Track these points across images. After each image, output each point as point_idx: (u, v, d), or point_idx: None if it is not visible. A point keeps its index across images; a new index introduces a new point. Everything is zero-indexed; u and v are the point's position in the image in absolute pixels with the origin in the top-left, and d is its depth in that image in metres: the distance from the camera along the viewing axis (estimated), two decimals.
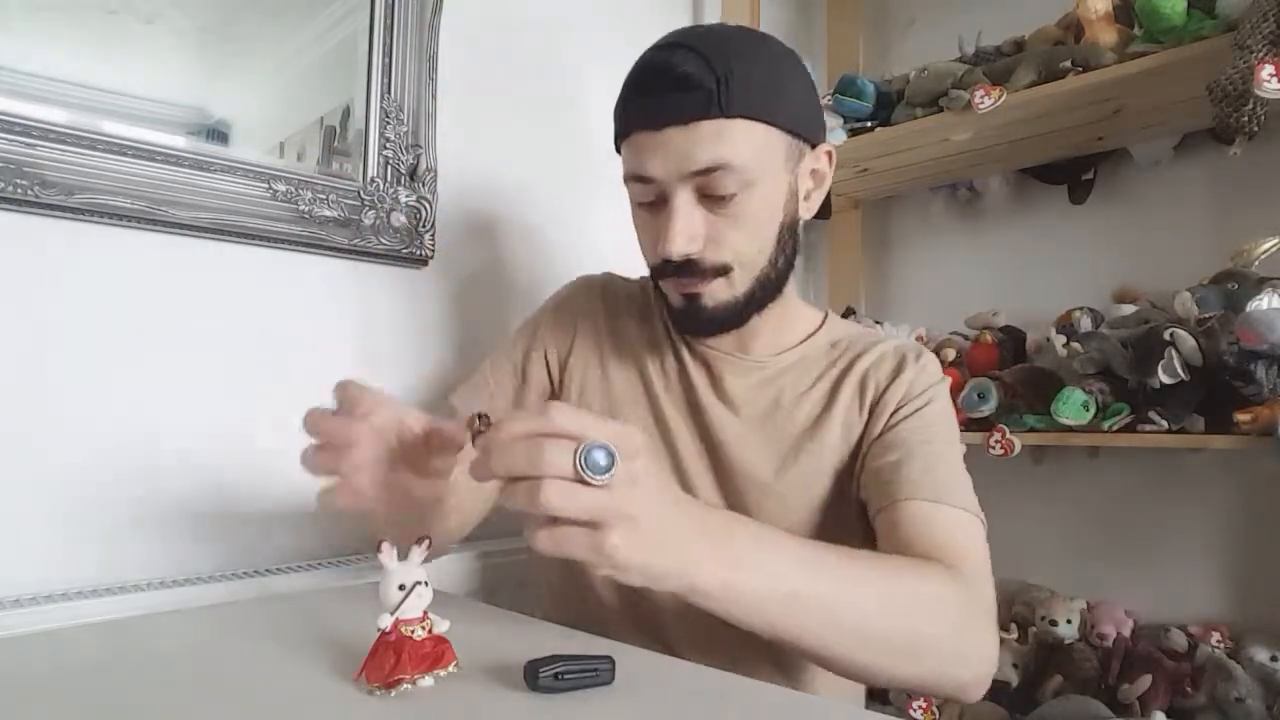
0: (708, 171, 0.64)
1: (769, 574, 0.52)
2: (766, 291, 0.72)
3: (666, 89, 0.64)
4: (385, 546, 0.46)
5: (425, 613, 0.46)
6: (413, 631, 0.46)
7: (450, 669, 0.47)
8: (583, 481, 0.43)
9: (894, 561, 0.60)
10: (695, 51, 0.64)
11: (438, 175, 1.02)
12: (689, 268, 0.68)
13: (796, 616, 0.52)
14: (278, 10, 0.92)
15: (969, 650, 0.59)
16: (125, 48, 0.82)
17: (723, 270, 0.69)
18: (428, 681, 0.46)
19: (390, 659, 0.45)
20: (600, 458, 0.43)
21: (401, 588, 0.45)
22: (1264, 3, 0.91)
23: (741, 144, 0.65)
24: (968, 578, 0.60)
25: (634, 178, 0.69)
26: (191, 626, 0.60)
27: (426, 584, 0.46)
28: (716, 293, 0.70)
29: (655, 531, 0.46)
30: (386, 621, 0.45)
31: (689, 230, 0.66)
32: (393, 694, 0.45)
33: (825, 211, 0.83)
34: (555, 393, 0.83)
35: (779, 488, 0.72)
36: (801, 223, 0.75)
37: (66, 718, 0.42)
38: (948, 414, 0.74)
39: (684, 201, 0.66)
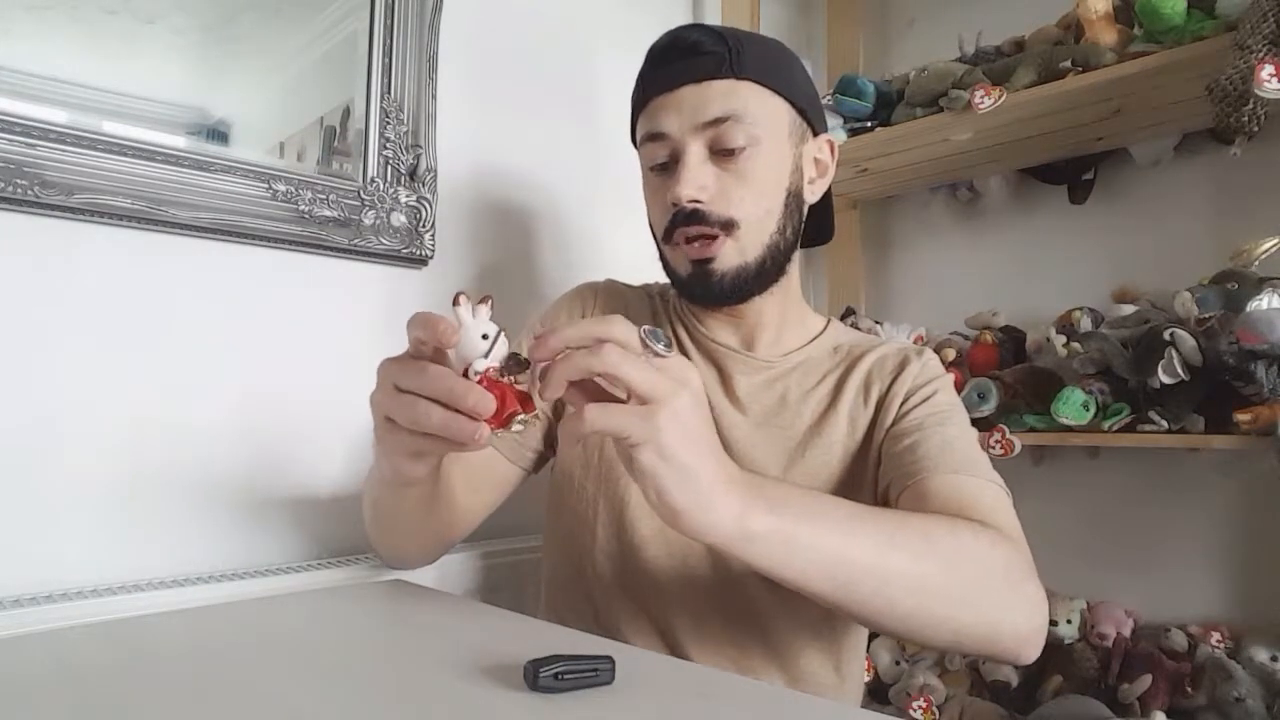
0: (718, 122, 0.69)
1: (815, 521, 0.51)
2: (776, 263, 0.74)
3: (681, 56, 0.71)
4: (463, 300, 0.46)
5: (506, 362, 0.47)
6: (505, 378, 0.47)
7: (535, 414, 0.48)
8: (645, 346, 0.45)
9: (933, 517, 0.59)
10: (707, 28, 0.72)
11: (438, 175, 1.02)
12: (696, 217, 0.70)
13: (848, 565, 0.51)
14: (278, 10, 0.92)
15: (1019, 599, 0.57)
16: (125, 48, 0.82)
17: (729, 226, 0.71)
18: (522, 423, 0.48)
19: (495, 402, 0.46)
20: (660, 336, 0.46)
21: (485, 337, 0.46)
22: (1264, 3, 0.91)
23: (750, 101, 0.70)
24: (1007, 535, 0.59)
25: (649, 137, 0.73)
26: (191, 626, 0.60)
27: (502, 333, 0.47)
28: (728, 257, 0.71)
29: (701, 436, 0.47)
30: (482, 366, 0.46)
31: (699, 179, 0.70)
32: (512, 429, 0.47)
33: (828, 233, 0.84)
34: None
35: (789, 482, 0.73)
36: (806, 205, 0.77)
37: (66, 718, 0.42)
38: (957, 402, 0.75)
39: (695, 154, 0.70)
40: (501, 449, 0.77)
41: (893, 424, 0.72)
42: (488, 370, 0.46)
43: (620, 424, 0.44)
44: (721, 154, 0.70)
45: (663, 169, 0.73)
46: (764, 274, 0.73)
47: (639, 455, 0.45)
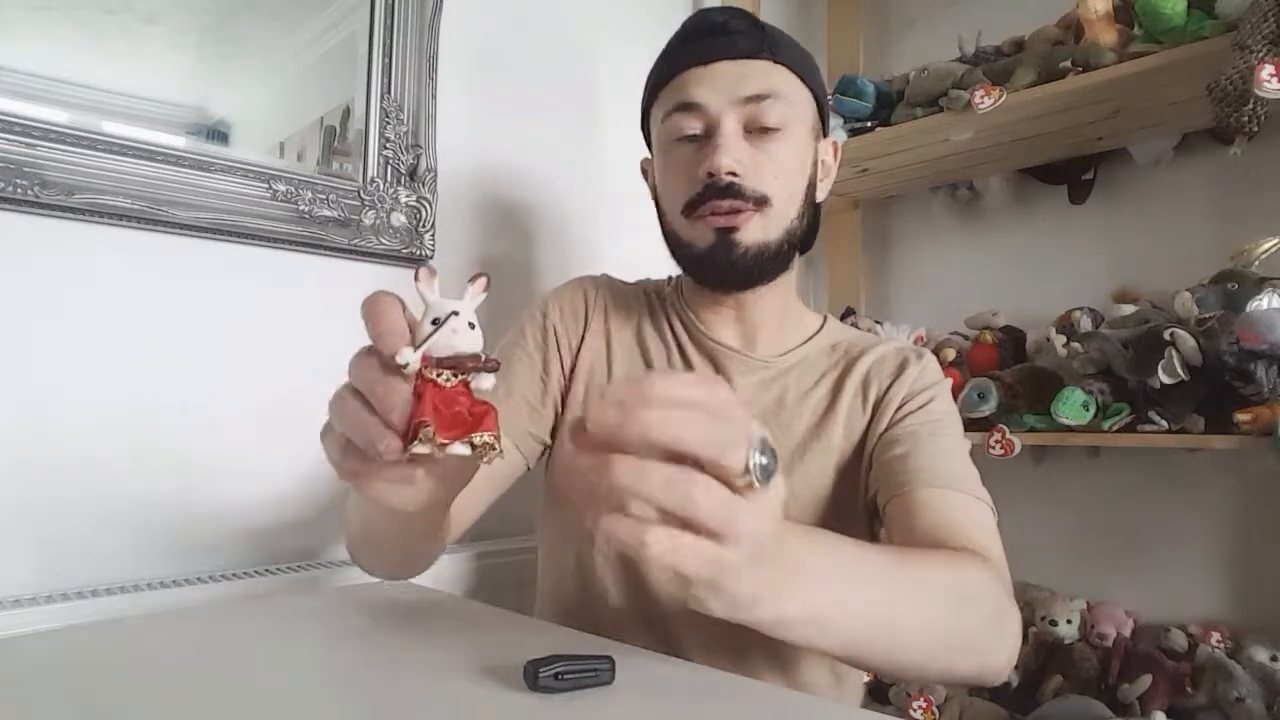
0: (758, 99, 0.69)
1: (844, 598, 0.47)
2: (790, 249, 0.74)
3: (718, 33, 0.71)
4: (423, 274, 0.37)
5: (466, 361, 0.36)
6: (439, 377, 0.35)
7: (486, 438, 0.36)
8: (731, 482, 0.35)
9: (937, 559, 0.58)
10: (741, 12, 0.73)
11: (438, 175, 1.02)
12: (731, 190, 0.69)
13: (868, 635, 0.49)
14: (278, 10, 0.92)
15: (1005, 636, 0.58)
16: (126, 48, 0.82)
17: (762, 202, 0.70)
18: (460, 449, 0.36)
19: (407, 404, 0.35)
20: (769, 460, 0.35)
21: (436, 322, 0.36)
22: (1264, 3, 0.91)
23: (785, 85, 0.71)
24: (994, 563, 0.59)
25: (679, 108, 0.71)
26: (191, 626, 0.60)
27: (473, 325, 0.36)
28: (753, 230, 0.70)
29: (774, 556, 0.40)
30: (407, 358, 0.35)
31: (737, 152, 0.69)
32: (407, 452, 0.35)
33: (809, 243, 0.82)
34: (566, 388, 0.80)
35: (788, 485, 0.72)
36: (816, 202, 0.77)
37: (66, 718, 0.42)
38: (953, 410, 0.74)
39: (731, 127, 0.69)
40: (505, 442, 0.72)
41: (887, 429, 0.71)
42: (423, 364, 0.35)
43: (693, 569, 0.35)
44: (756, 132, 0.70)
45: (690, 140, 0.72)
46: (779, 258, 0.73)
47: (696, 591, 0.37)
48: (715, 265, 0.73)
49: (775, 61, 0.70)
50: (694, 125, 0.71)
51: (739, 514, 0.35)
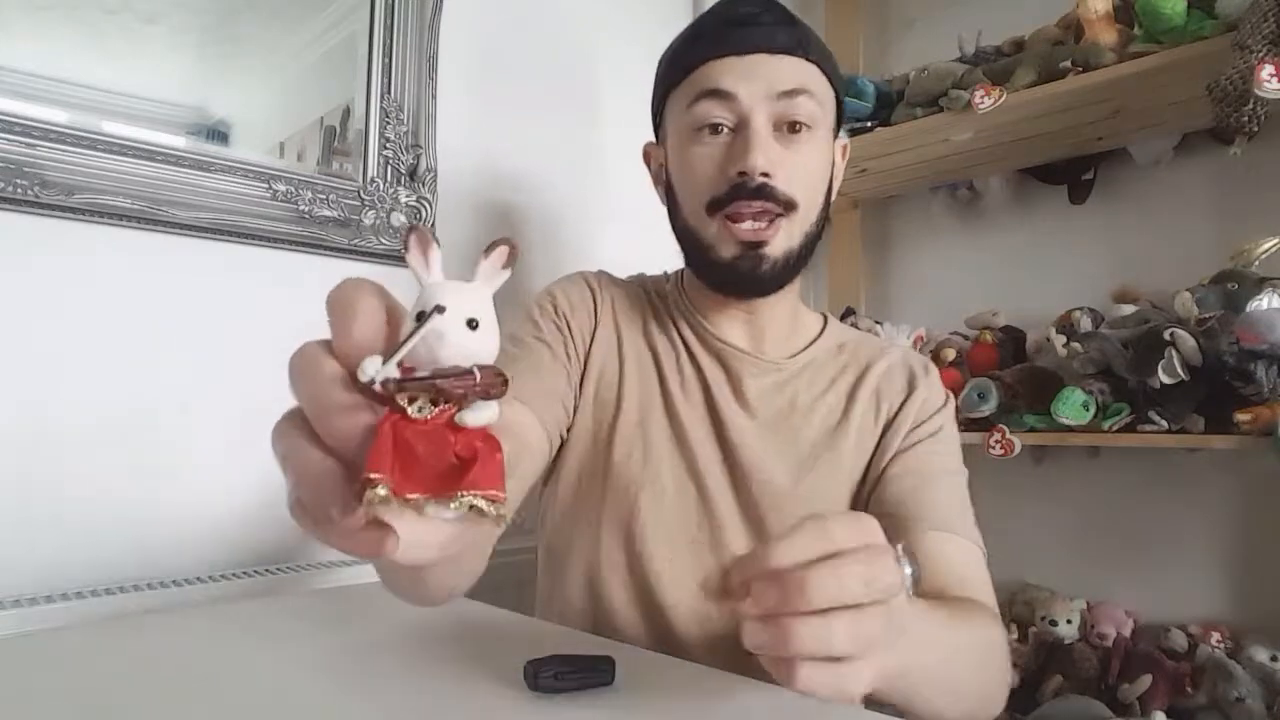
0: (791, 94, 0.67)
1: (916, 659, 0.47)
2: (808, 254, 0.72)
3: (754, 23, 0.69)
4: (414, 241, 0.26)
5: (450, 382, 0.24)
6: (411, 405, 0.24)
7: (476, 500, 0.24)
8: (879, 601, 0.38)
9: (969, 616, 0.59)
10: (775, 5, 0.71)
11: (438, 175, 1.02)
12: (764, 192, 0.67)
13: (923, 687, 0.50)
14: (278, 10, 0.92)
15: (1004, 684, 0.61)
16: (126, 48, 0.82)
17: (791, 206, 0.68)
18: (439, 512, 0.25)
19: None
20: (915, 568, 0.40)
21: (421, 317, 0.24)
22: (1264, 3, 0.91)
23: (815, 82, 0.69)
24: (994, 611, 0.63)
25: (709, 94, 0.68)
26: (191, 626, 0.60)
27: (475, 324, 0.24)
28: (779, 243, 0.69)
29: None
30: (370, 371, 0.24)
31: (770, 151, 0.67)
32: (368, 502, 0.23)
33: None
34: (580, 382, 0.77)
35: (800, 494, 0.71)
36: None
37: (65, 718, 0.42)
38: (956, 438, 0.75)
39: (762, 122, 0.67)
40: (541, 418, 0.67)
41: (896, 454, 0.72)
42: (387, 384, 0.24)
43: (857, 691, 0.39)
44: (784, 130, 0.68)
45: (714, 132, 0.69)
46: (798, 265, 0.71)
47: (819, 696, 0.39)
48: (738, 276, 0.70)
49: (808, 60, 0.69)
50: (723, 114, 0.68)
51: (900, 627, 0.40)
